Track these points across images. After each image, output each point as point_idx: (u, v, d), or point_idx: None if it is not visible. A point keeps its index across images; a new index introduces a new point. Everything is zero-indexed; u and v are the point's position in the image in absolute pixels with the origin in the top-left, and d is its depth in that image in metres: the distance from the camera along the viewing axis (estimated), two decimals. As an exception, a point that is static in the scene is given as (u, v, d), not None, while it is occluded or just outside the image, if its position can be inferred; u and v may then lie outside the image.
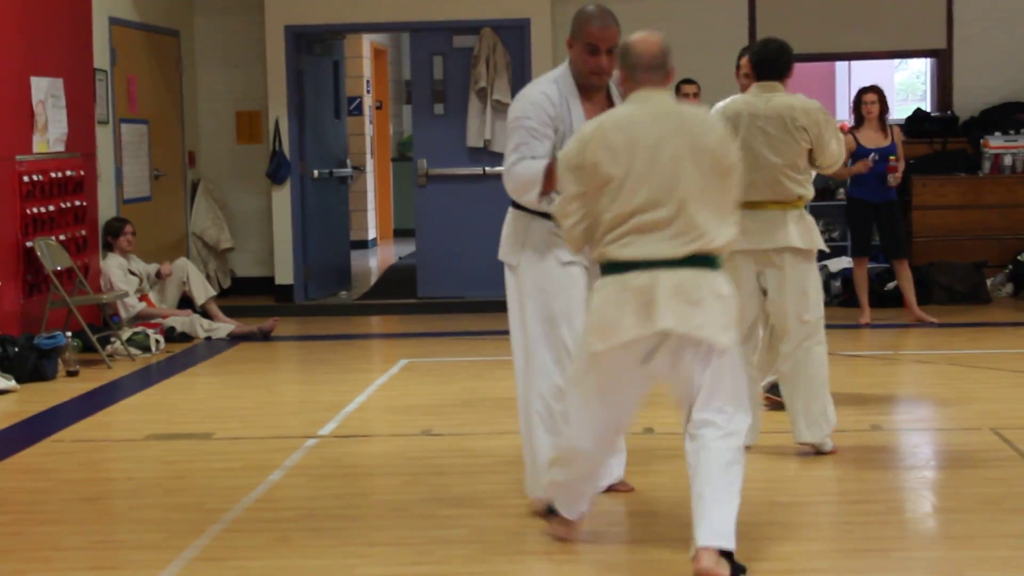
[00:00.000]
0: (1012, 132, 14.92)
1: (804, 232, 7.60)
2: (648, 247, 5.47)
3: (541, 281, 6.49)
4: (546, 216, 6.35)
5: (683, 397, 5.61)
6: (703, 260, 5.50)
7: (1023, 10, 15.19)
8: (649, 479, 7.09)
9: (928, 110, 15.64)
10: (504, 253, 6.73)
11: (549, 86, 6.45)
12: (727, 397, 5.53)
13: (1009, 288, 14.40)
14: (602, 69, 6.40)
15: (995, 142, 14.88)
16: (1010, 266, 14.48)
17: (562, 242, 6.22)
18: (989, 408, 8.86)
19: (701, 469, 5.45)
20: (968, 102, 15.20)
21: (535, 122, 6.33)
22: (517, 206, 6.61)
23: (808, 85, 20.33)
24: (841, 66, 20.71)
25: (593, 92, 6.52)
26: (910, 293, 12.91)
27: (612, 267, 5.55)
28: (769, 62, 7.80)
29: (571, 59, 6.49)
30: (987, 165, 14.91)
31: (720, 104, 7.74)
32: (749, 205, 7.17)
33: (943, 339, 11.79)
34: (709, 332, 5.42)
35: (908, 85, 20.67)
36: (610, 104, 6.46)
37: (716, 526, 5.34)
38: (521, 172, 6.34)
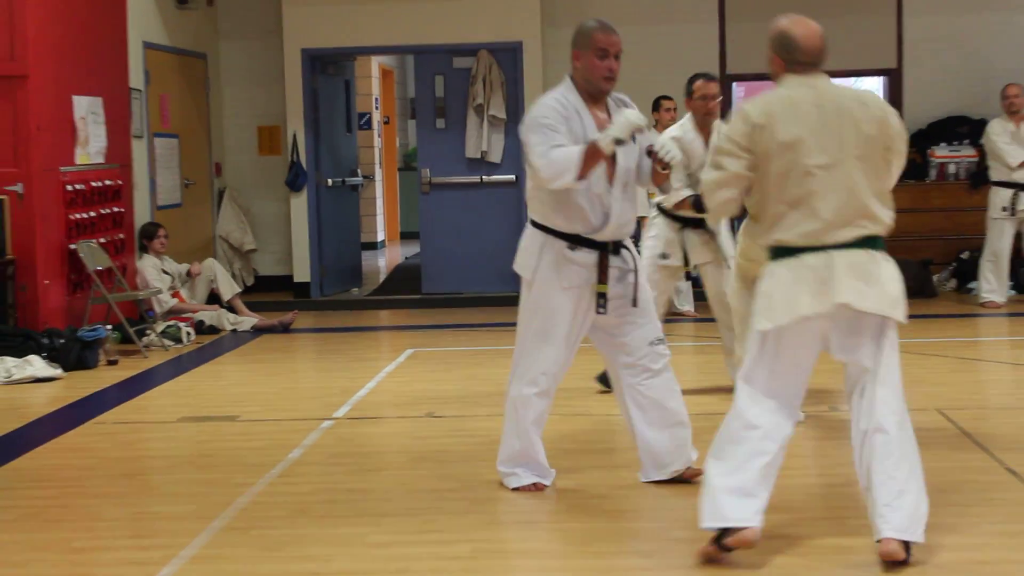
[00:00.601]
0: (956, 143, 14.97)
1: None
2: (816, 232, 5.29)
3: (546, 301, 6.36)
4: (560, 235, 6.29)
5: (853, 374, 5.47)
6: (871, 242, 5.39)
7: (965, 34, 15.22)
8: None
9: (881, 123, 15.65)
10: (519, 266, 6.49)
11: (559, 96, 6.33)
12: (894, 385, 5.47)
13: (953, 283, 14.45)
14: (612, 73, 6.28)
15: (940, 152, 14.93)
16: (954, 263, 14.53)
17: (570, 264, 6.26)
18: (936, 391, 8.88)
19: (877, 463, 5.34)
20: (917, 116, 15.22)
21: (552, 120, 6.20)
22: (536, 224, 6.41)
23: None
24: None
25: (599, 99, 6.37)
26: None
27: (785, 251, 5.35)
28: None
29: (579, 69, 6.31)
30: (933, 173, 14.96)
31: None
32: None
33: (894, 329, 11.80)
34: (884, 307, 5.34)
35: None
36: (607, 111, 6.38)
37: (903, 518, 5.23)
38: (557, 156, 6.09)
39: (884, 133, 5.48)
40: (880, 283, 5.33)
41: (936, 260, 14.47)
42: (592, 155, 6.07)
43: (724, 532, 5.25)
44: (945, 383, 9.22)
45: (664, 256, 8.33)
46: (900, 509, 5.21)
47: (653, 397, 6.46)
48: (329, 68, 15.44)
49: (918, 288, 13.91)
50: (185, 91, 14.78)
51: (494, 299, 14.59)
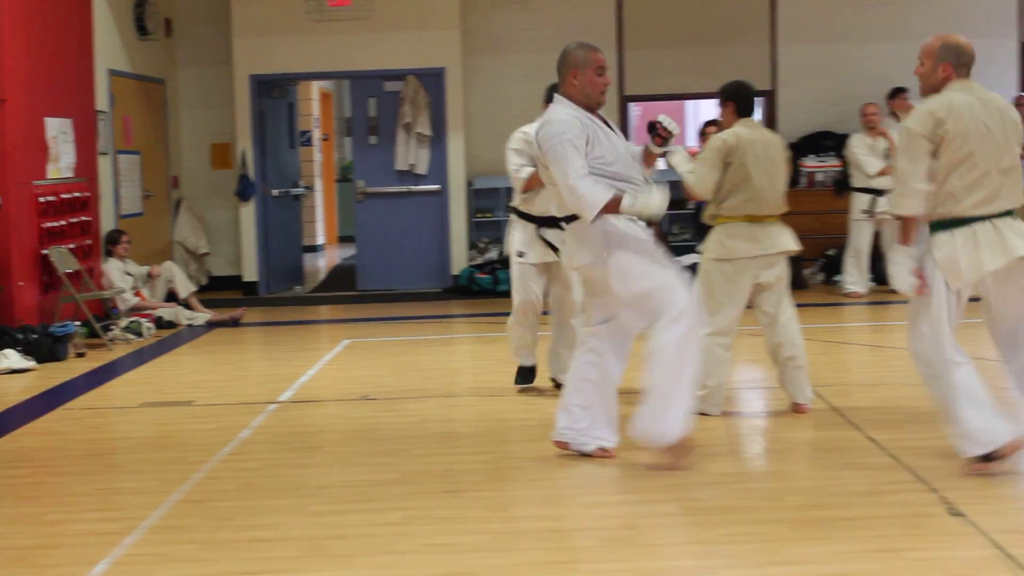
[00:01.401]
0: (822, 155, 15.12)
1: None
2: (989, 206, 5.71)
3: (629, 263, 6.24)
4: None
5: (1010, 316, 5.96)
6: (1012, 213, 5.82)
7: (830, 61, 15.37)
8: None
9: (758, 138, 15.78)
10: (581, 257, 6.32)
11: (569, 111, 6.22)
12: None
13: (821, 277, 14.60)
14: (607, 86, 6.34)
15: (810, 163, 15.07)
16: (822, 259, 14.67)
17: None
18: (808, 371, 8.95)
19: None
20: (789, 132, 15.34)
21: (572, 134, 6.08)
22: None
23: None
24: (690, 104, 20.84)
25: (594, 112, 6.31)
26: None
27: (959, 222, 5.73)
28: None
29: (577, 86, 6.24)
30: (804, 181, 15.09)
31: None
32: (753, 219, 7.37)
33: (771, 317, 11.89)
34: None
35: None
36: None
37: None
38: (587, 191, 5.99)
39: (1018, 127, 5.98)
40: None
41: (806, 256, 14.59)
42: (612, 207, 6.04)
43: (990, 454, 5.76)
44: (815, 364, 9.26)
45: (521, 254, 8.21)
46: None
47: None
48: (274, 91, 15.35)
49: (792, 281, 13.97)
50: (146, 113, 14.63)
51: (421, 295, 14.61)
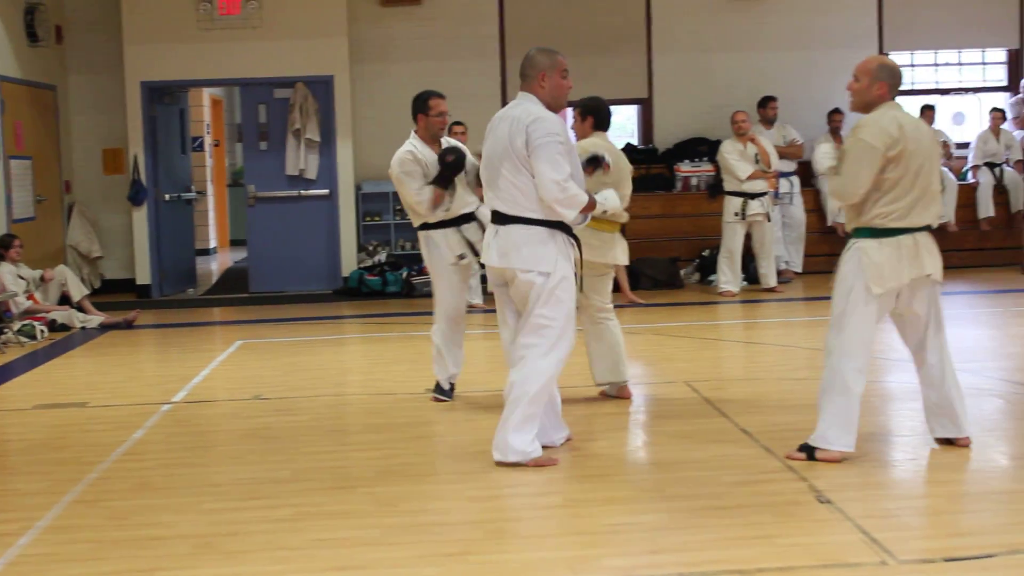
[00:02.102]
0: (696, 160, 15.30)
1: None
2: (911, 219, 5.99)
3: (568, 281, 6.26)
4: (560, 226, 6.21)
5: (914, 328, 6.23)
6: (930, 227, 6.10)
7: (702, 70, 15.58)
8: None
9: (636, 144, 15.93)
10: (538, 262, 6.19)
11: (552, 115, 6.23)
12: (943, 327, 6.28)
13: (696, 276, 14.76)
14: (570, 89, 6.40)
15: (684, 168, 15.25)
16: (697, 260, 14.84)
17: (569, 248, 6.24)
18: (683, 367, 9.07)
19: (947, 379, 6.24)
20: (664, 138, 15.54)
21: (563, 138, 6.13)
22: (539, 222, 6.17)
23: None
24: (570, 111, 20.91)
25: (559, 112, 6.36)
26: (624, 281, 13.07)
27: (886, 232, 5.99)
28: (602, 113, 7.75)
29: (547, 88, 6.27)
30: (679, 184, 15.26)
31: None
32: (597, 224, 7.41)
33: (649, 315, 12.02)
34: (939, 274, 6.14)
35: (620, 125, 20.95)
36: None
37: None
38: (575, 195, 6.06)
39: (939, 148, 6.37)
40: (936, 256, 6.14)
41: (682, 257, 14.78)
42: (591, 207, 6.23)
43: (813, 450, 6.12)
44: (691, 359, 9.41)
45: (462, 257, 8.13)
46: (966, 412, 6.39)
47: None
48: (165, 98, 15.15)
49: (668, 280, 14.21)
50: (37, 118, 14.34)
51: (312, 296, 14.52)
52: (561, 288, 6.18)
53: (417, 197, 7.90)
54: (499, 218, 6.27)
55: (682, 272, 14.56)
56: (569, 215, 6.14)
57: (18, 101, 13.70)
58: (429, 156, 7.98)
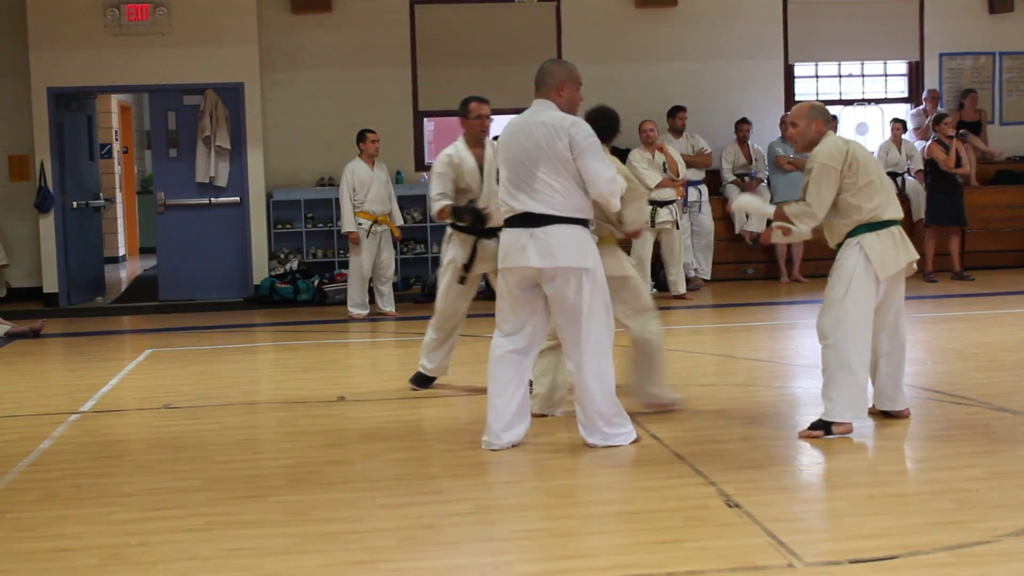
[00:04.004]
0: (607, 168, 15.37)
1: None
2: (892, 212, 6.85)
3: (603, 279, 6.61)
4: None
5: (884, 313, 6.88)
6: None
7: (612, 79, 15.66)
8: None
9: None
10: (579, 259, 6.45)
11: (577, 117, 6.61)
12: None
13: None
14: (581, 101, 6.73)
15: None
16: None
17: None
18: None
19: (896, 360, 7.01)
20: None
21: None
22: (578, 221, 6.50)
23: (456, 133, 20.54)
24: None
25: None
26: (536, 289, 13.15)
27: (880, 224, 6.77)
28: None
29: (565, 97, 6.65)
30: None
31: None
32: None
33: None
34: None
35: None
36: None
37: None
38: (621, 185, 6.58)
39: None
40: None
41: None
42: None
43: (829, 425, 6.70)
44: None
45: (467, 268, 8.19)
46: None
47: None
48: (72, 104, 14.93)
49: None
50: (-60, 124, 14.06)
51: (223, 304, 14.40)
52: (603, 285, 6.56)
53: (435, 200, 8.21)
54: (534, 220, 6.45)
55: (593, 279, 14.61)
56: (617, 204, 6.54)
57: (-79, 107, 13.42)
58: (468, 160, 8.28)
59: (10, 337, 12.16)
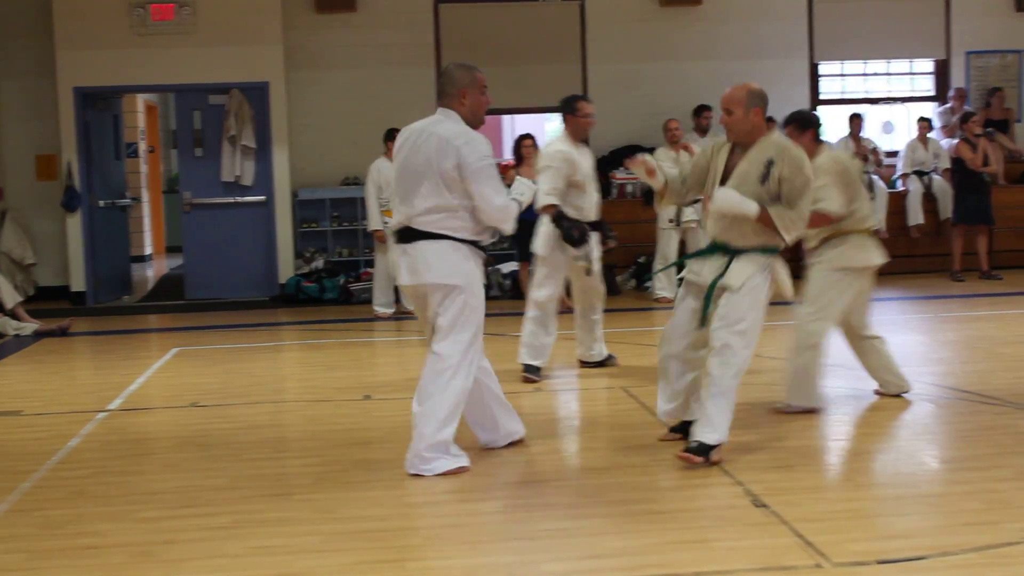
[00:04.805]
0: (632, 167, 15.34)
1: None
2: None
3: (479, 300, 6.24)
4: (476, 244, 6.26)
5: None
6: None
7: (637, 79, 15.66)
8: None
9: (571, 151, 15.94)
10: (450, 276, 6.15)
11: (475, 132, 6.26)
12: None
13: (633, 283, 14.83)
14: (489, 104, 6.38)
15: (620, 175, 15.29)
16: (633, 266, 14.90)
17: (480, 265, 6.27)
18: (620, 372, 9.09)
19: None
20: (600, 145, 15.56)
21: (492, 157, 6.24)
22: (453, 238, 6.16)
23: (481, 133, 20.54)
24: (506, 118, 20.96)
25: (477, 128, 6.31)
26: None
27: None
28: None
29: (468, 105, 6.24)
30: (615, 192, 15.31)
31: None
32: None
33: (585, 322, 12.03)
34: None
35: (556, 133, 21.05)
36: None
37: None
38: (514, 211, 6.23)
39: None
40: None
41: (619, 264, 14.83)
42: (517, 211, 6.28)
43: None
44: (627, 365, 9.43)
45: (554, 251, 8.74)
46: None
47: None
48: (99, 104, 14.99)
49: (605, 287, 14.22)
50: (-32, 124, 14.14)
51: (249, 303, 14.43)
52: (474, 305, 6.18)
53: (544, 193, 8.41)
54: (409, 235, 6.20)
55: (618, 278, 14.61)
56: (509, 229, 6.25)
57: (-51, 106, 13.50)
58: (579, 156, 8.65)
59: (38, 335, 12.23)
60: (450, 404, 6.15)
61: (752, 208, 6.15)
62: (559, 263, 8.75)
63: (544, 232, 8.73)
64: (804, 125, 7.51)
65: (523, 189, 6.43)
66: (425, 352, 6.43)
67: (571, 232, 8.41)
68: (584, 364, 9.24)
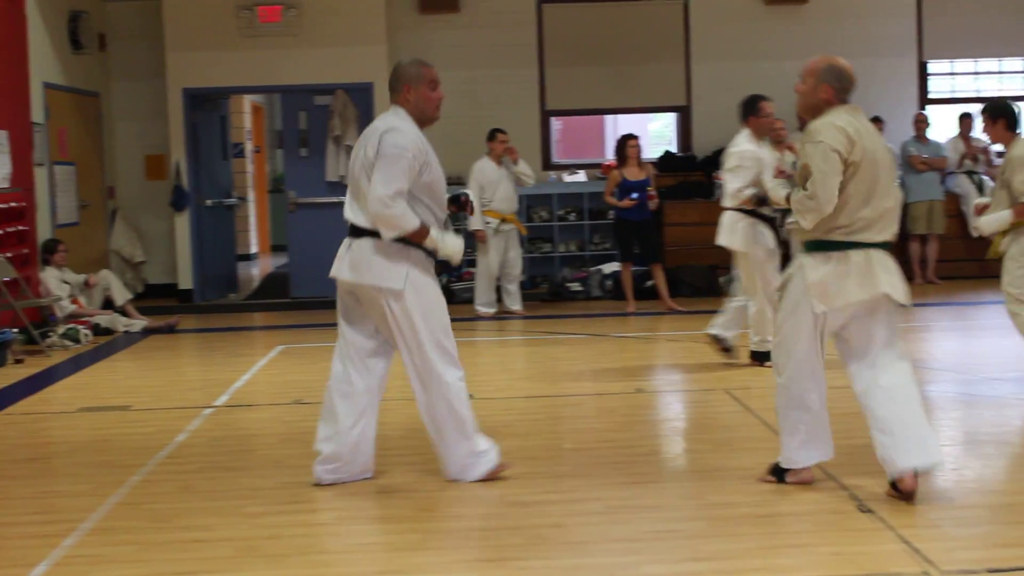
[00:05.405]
0: (736, 167, 15.21)
1: None
2: (867, 234, 5.52)
3: (428, 300, 6.03)
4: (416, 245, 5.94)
5: (861, 347, 5.65)
6: (888, 245, 5.63)
7: (741, 77, 15.50)
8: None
9: (674, 151, 15.88)
10: (389, 279, 5.95)
11: (414, 128, 5.98)
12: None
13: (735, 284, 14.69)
14: (441, 100, 6.10)
15: (724, 175, 15.14)
16: (733, 268, 14.75)
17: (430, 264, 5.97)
18: (722, 374, 9.02)
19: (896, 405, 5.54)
20: (703, 145, 15.48)
21: (412, 154, 5.88)
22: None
23: (583, 133, 20.54)
24: (609, 118, 20.93)
25: (428, 125, 6.09)
26: (663, 289, 13.11)
27: (835, 245, 5.56)
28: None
29: (413, 101, 5.99)
30: (717, 192, 15.15)
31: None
32: None
33: (688, 323, 11.99)
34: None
35: (659, 133, 20.95)
36: None
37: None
38: (398, 215, 5.84)
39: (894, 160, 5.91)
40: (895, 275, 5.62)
41: (721, 265, 14.67)
42: (419, 236, 5.90)
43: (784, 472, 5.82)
44: (730, 367, 9.34)
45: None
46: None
47: None
48: (207, 105, 15.22)
49: (708, 288, 14.16)
50: (81, 125, 14.44)
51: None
52: (417, 306, 5.97)
53: (743, 191, 8.80)
54: (355, 231, 6.05)
55: (721, 280, 14.49)
56: (386, 235, 5.87)
57: (62, 108, 13.80)
58: (765, 155, 8.94)
59: (147, 332, 12.46)
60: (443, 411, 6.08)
61: (780, 194, 6.18)
62: (759, 255, 8.99)
63: (741, 228, 8.93)
64: (995, 115, 7.40)
65: (451, 242, 6.09)
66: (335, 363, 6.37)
67: (773, 219, 8.85)
68: (756, 356, 9.20)
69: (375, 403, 6.22)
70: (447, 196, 6.30)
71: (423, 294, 6.00)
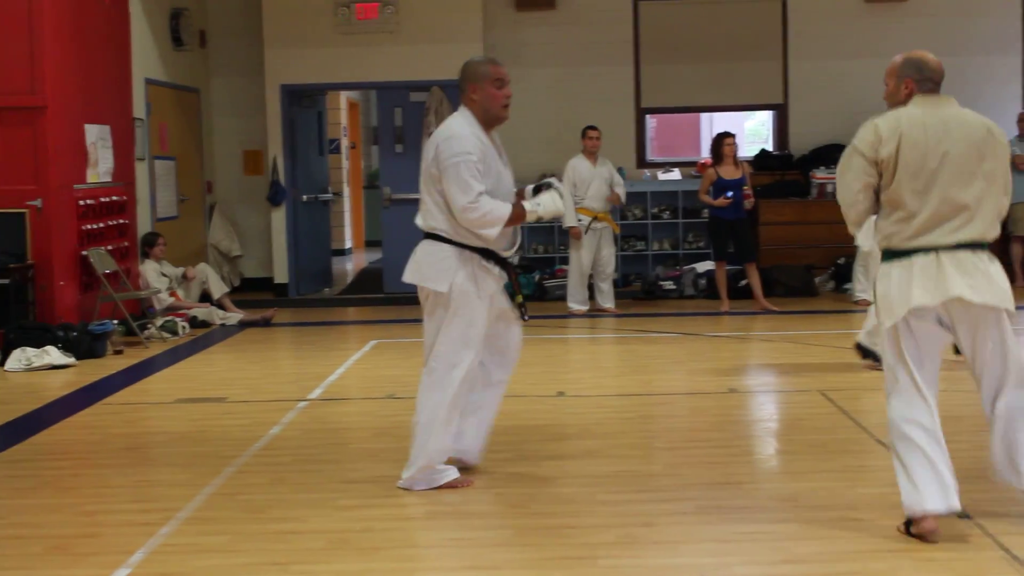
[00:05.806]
0: (833, 166, 14.98)
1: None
2: (934, 236, 4.99)
3: (467, 310, 5.97)
4: (475, 250, 5.91)
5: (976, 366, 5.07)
6: (975, 246, 5.01)
7: (839, 75, 15.33)
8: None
9: (771, 150, 15.74)
10: (432, 280, 6.00)
11: (470, 128, 5.89)
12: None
13: (831, 284, 14.55)
14: (508, 98, 5.96)
15: (820, 174, 14.99)
16: (832, 268, 14.62)
17: (487, 274, 5.92)
18: (817, 376, 8.93)
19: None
20: (800, 144, 15.34)
21: (475, 156, 5.82)
22: (445, 239, 5.95)
23: (678, 130, 20.42)
24: (705, 116, 20.76)
25: (496, 125, 6.02)
26: (758, 288, 13.01)
27: (898, 253, 5.07)
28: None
29: (478, 100, 5.90)
30: (815, 191, 15.03)
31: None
32: None
33: (782, 323, 11.89)
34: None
35: (755, 131, 20.74)
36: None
37: None
38: (487, 211, 5.78)
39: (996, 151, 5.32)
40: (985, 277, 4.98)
41: (817, 265, 14.58)
42: (517, 218, 5.90)
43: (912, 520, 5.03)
44: (825, 369, 9.26)
45: None
46: None
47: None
48: (304, 101, 15.38)
49: (802, 288, 14.04)
50: (181, 120, 14.67)
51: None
52: (445, 318, 5.97)
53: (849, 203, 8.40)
54: (422, 234, 6.06)
55: (816, 280, 14.36)
56: (491, 234, 5.83)
57: (163, 103, 14.04)
58: None
59: (243, 325, 12.63)
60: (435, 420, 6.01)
61: None
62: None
63: (867, 226, 8.71)
64: None
65: (547, 201, 6.05)
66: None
67: None
68: (864, 351, 8.97)
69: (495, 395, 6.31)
70: (530, 187, 6.25)
71: (458, 310, 5.96)
